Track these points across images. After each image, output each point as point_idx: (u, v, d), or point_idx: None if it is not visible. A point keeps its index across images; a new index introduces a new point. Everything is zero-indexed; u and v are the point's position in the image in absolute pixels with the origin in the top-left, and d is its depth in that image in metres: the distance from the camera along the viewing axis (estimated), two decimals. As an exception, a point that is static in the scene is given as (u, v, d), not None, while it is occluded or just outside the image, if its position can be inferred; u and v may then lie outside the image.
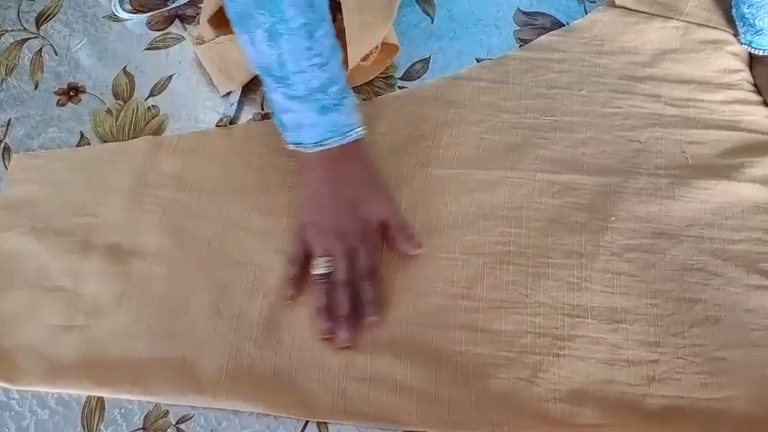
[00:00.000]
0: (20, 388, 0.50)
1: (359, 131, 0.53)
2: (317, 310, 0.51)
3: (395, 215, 0.54)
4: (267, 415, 0.49)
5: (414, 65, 0.65)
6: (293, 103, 0.51)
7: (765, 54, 0.62)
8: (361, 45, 0.61)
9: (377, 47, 0.62)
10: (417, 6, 0.68)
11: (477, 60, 0.65)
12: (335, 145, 0.52)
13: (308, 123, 0.51)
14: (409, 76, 0.65)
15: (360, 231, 0.52)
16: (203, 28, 0.61)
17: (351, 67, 0.61)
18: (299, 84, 0.50)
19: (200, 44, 0.61)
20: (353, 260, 0.52)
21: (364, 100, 0.63)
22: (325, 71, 0.50)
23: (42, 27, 0.66)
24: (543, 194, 0.58)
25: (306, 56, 0.49)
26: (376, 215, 0.53)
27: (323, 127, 0.52)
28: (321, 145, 0.52)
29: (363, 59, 0.62)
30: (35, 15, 0.67)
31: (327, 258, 0.52)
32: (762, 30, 0.61)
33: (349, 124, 0.53)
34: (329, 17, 0.51)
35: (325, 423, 0.49)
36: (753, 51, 0.63)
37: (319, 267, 0.51)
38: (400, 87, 0.64)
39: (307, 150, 0.52)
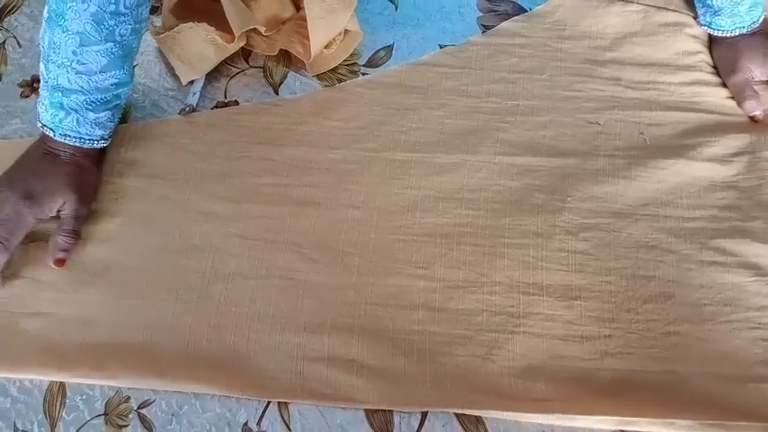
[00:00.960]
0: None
1: (87, 145, 0.55)
2: None
3: (69, 214, 0.54)
4: (229, 398, 0.50)
5: (377, 52, 0.66)
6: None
7: (724, 35, 0.63)
8: (323, 33, 0.61)
9: (339, 34, 0.63)
10: (381, -7, 0.69)
11: (441, 47, 0.66)
12: (59, 138, 0.54)
13: (44, 107, 0.53)
14: (373, 62, 0.65)
15: (15, 202, 0.52)
16: (165, 17, 0.61)
17: (314, 54, 0.62)
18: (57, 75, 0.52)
19: (159, 34, 0.61)
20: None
21: (327, 86, 0.64)
22: (80, 77, 0.52)
23: (6, 20, 0.67)
24: (502, 176, 0.59)
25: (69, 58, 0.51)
26: (43, 198, 0.53)
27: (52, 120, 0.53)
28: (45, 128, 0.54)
29: (326, 47, 0.63)
30: (-1, 8, 0.68)
31: None
32: (720, 10, 0.62)
33: (82, 134, 0.54)
34: (117, 40, 0.52)
35: (285, 403, 0.50)
36: (712, 32, 0.64)
37: None
38: (364, 74, 0.65)
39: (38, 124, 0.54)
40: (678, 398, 0.50)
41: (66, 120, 0.53)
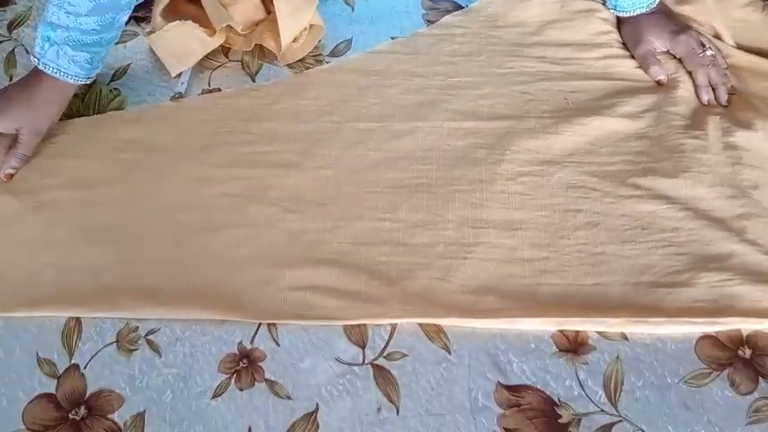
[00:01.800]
0: (2, 314, 0.58)
1: (61, 76, 0.65)
2: None
3: (25, 140, 0.65)
4: (225, 322, 0.58)
5: (338, 45, 0.77)
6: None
7: (628, 14, 0.76)
8: (290, 28, 0.72)
9: (305, 29, 0.74)
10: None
11: (392, 38, 0.78)
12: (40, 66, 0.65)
13: (37, 40, 0.65)
14: (335, 53, 0.77)
15: None
16: (155, 20, 0.72)
17: (284, 47, 0.73)
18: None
19: (152, 33, 0.71)
20: None
21: (297, 73, 0.74)
22: (68, 16, 0.63)
23: (14, 31, 0.77)
24: (450, 138, 0.70)
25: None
26: (5, 119, 0.65)
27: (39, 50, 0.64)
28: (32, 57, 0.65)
29: (294, 41, 0.74)
30: (6, 23, 0.78)
31: None
32: (622, -7, 0.75)
33: (60, 66, 0.65)
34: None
35: (274, 324, 0.58)
36: (617, 13, 0.77)
37: None
38: (327, 62, 0.76)
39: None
40: (606, 303, 0.60)
41: (49, 51, 0.64)
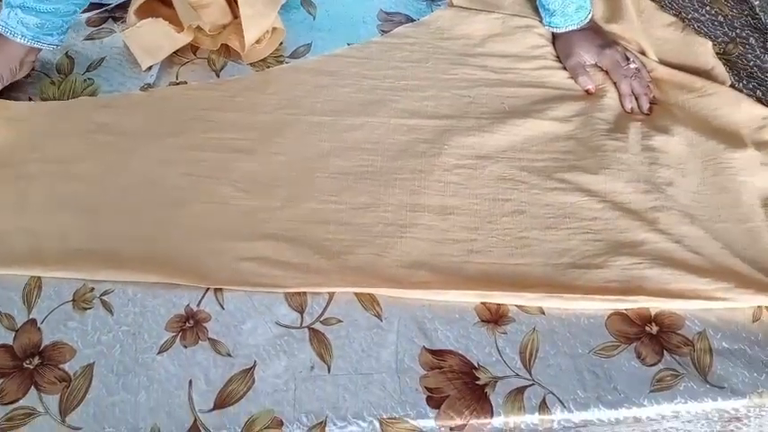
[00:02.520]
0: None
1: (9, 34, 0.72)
2: None
3: None
4: (175, 287, 0.63)
5: (299, 48, 0.85)
6: None
7: (560, 31, 0.84)
8: (254, 30, 0.79)
9: (267, 32, 0.81)
10: (302, 8, 0.89)
11: (349, 44, 0.85)
12: None
13: None
14: (295, 55, 0.84)
15: None
16: (130, 18, 0.78)
17: (247, 48, 0.80)
18: None
19: (126, 30, 0.78)
20: None
21: (258, 71, 0.81)
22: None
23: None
24: (395, 133, 0.76)
25: None
26: None
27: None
28: None
29: (258, 42, 0.81)
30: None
31: None
32: (554, 12, 0.83)
33: (9, 25, 0.72)
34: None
35: (221, 290, 0.63)
36: (551, 30, 0.85)
37: None
38: (287, 63, 0.82)
39: None
40: (526, 280, 0.66)
41: (3, 12, 0.72)
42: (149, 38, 0.78)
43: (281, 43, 0.84)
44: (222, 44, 0.81)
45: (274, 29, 0.81)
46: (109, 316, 0.61)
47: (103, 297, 0.62)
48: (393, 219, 0.69)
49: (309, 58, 0.83)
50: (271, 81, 0.80)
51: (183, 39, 0.79)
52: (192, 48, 0.83)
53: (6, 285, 0.62)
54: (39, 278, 0.63)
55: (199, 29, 0.80)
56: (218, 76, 0.81)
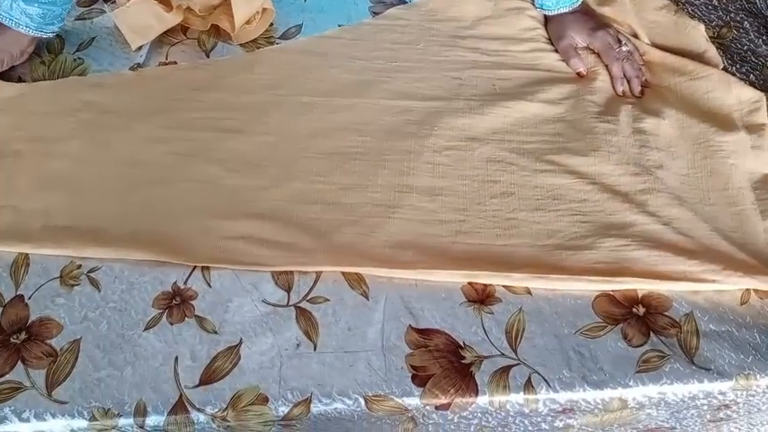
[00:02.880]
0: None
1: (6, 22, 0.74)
2: None
3: None
4: (162, 264, 0.63)
5: (289, 29, 0.84)
6: None
7: (552, 13, 0.84)
8: (243, 10, 0.79)
9: (258, 12, 0.80)
10: (294, -11, 0.89)
11: (339, 26, 0.84)
12: None
13: None
14: (286, 36, 0.84)
15: None
16: (121, -2, 0.78)
17: (237, 28, 0.79)
18: None
19: (115, 10, 0.78)
20: None
21: (248, 52, 0.81)
22: None
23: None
24: (385, 114, 0.76)
25: None
26: None
27: None
28: None
29: (248, 23, 0.81)
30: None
31: None
32: (547, -6, 0.83)
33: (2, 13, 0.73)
34: None
35: (207, 268, 0.63)
36: (543, 12, 0.85)
37: None
38: (278, 44, 0.82)
39: None
40: (513, 261, 0.66)
41: (5, 3, 0.73)
42: (139, 18, 0.77)
43: (272, 24, 0.84)
44: (212, 25, 0.81)
45: (264, 9, 0.81)
46: (96, 293, 0.61)
47: (91, 274, 0.62)
48: (381, 199, 0.69)
49: (300, 39, 0.83)
50: (260, 61, 0.80)
51: (173, 19, 0.79)
52: (183, 28, 0.82)
53: (-8, 262, 0.63)
54: (26, 255, 0.63)
55: (189, 9, 0.80)
56: (207, 56, 0.80)
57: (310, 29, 0.84)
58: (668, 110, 0.78)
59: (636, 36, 0.85)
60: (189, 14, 0.81)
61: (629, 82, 0.80)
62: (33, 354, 0.58)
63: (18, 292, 0.61)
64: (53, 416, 0.55)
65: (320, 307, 0.62)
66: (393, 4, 0.88)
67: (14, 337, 0.59)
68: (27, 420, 0.55)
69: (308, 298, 0.63)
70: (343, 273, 0.64)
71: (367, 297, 0.63)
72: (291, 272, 0.64)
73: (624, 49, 0.81)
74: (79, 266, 0.63)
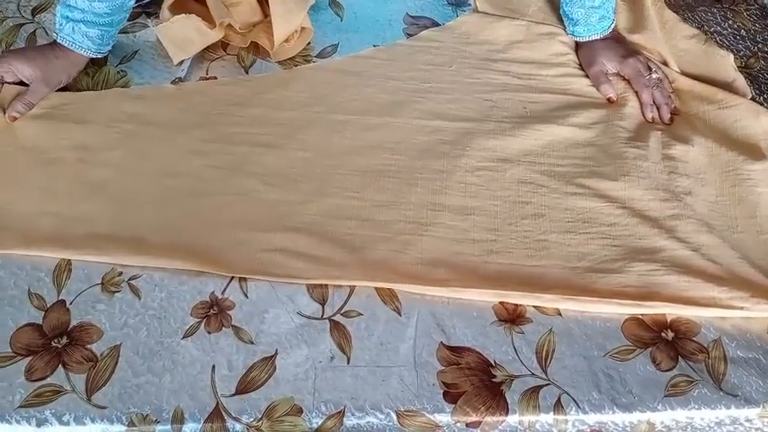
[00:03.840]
0: (2, 251, 0.64)
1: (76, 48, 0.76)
2: None
3: (32, 89, 0.75)
4: (200, 274, 0.64)
5: (326, 48, 0.86)
6: None
7: (583, 40, 0.85)
8: (283, 29, 0.81)
9: (296, 31, 0.83)
10: (330, 9, 0.91)
11: (374, 46, 0.87)
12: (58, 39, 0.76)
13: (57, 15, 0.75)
14: (322, 55, 0.86)
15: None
16: (163, 13, 0.81)
17: (276, 46, 0.82)
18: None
19: (159, 24, 0.80)
20: None
21: (286, 69, 0.83)
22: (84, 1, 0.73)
23: (37, 16, 0.86)
24: (418, 134, 0.78)
25: None
26: (20, 67, 0.75)
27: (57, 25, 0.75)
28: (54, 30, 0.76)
29: (287, 41, 0.83)
30: (30, 9, 0.87)
31: None
32: (578, 21, 0.84)
33: (75, 40, 0.75)
34: None
35: (245, 279, 0.65)
36: (575, 38, 0.86)
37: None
38: (314, 62, 0.84)
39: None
40: (544, 282, 0.67)
41: (66, 26, 0.74)
42: (181, 33, 0.80)
43: (309, 43, 0.86)
44: (252, 42, 0.83)
45: (303, 28, 0.83)
46: (136, 300, 0.63)
47: (131, 281, 0.64)
48: (414, 217, 0.70)
49: (336, 58, 0.85)
50: (297, 79, 0.82)
51: (214, 35, 0.81)
52: (223, 44, 0.84)
53: (37, 266, 0.64)
54: (69, 260, 0.64)
55: (229, 26, 0.82)
56: (246, 72, 0.83)
57: (346, 48, 0.86)
58: (697, 137, 0.79)
59: (666, 64, 0.86)
60: (229, 31, 0.83)
61: (658, 109, 0.81)
62: (74, 358, 0.59)
63: (60, 297, 0.62)
64: (92, 420, 0.56)
65: (353, 321, 0.63)
66: (426, 27, 0.90)
67: (56, 341, 0.60)
68: (67, 424, 0.56)
69: (341, 311, 0.64)
70: (376, 288, 0.65)
71: (399, 313, 0.64)
72: (326, 285, 0.65)
73: (654, 76, 0.82)
74: (120, 274, 0.64)
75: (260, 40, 0.83)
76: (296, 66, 0.84)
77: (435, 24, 0.90)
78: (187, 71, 0.81)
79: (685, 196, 0.74)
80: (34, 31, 0.85)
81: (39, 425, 0.56)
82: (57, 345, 0.60)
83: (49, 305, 0.62)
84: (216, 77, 0.81)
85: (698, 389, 0.61)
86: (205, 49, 0.83)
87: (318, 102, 0.79)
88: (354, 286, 0.65)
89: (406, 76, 0.83)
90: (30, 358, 0.59)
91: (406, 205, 0.71)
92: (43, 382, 0.57)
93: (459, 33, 0.89)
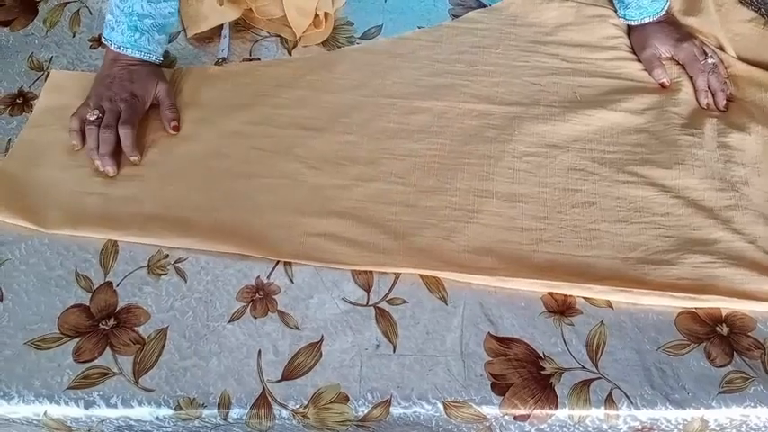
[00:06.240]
0: (50, 231, 0.64)
1: (153, 58, 0.74)
2: (87, 151, 0.68)
3: (164, 96, 0.73)
4: (246, 257, 0.64)
5: (370, 29, 0.85)
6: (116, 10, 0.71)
7: (635, 23, 0.82)
8: (298, 22, 0.81)
9: (318, 17, 0.81)
10: (375, -11, 0.89)
11: (419, 28, 0.84)
12: (133, 54, 0.72)
13: (120, 31, 0.72)
14: (366, 36, 0.84)
15: (124, 99, 0.70)
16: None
17: (298, 36, 0.81)
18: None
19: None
20: (116, 114, 0.70)
21: (329, 50, 0.81)
22: (150, 5, 0.71)
23: (81, -6, 0.86)
24: (464, 118, 0.76)
25: None
26: (143, 92, 0.72)
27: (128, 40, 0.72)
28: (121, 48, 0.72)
29: (317, 26, 0.81)
30: (75, -13, 0.87)
31: (97, 110, 0.70)
32: (629, 4, 0.81)
33: (151, 50, 0.73)
34: None
35: (290, 263, 0.64)
36: (626, 21, 0.83)
37: (90, 115, 0.69)
38: (358, 44, 0.83)
39: (111, 47, 0.72)
40: (595, 273, 0.65)
41: (140, 39, 0.72)
42: (197, 8, 0.79)
43: (352, 24, 0.84)
44: (289, 24, 0.82)
45: (326, 14, 0.81)
46: (182, 283, 0.63)
47: (177, 264, 0.64)
48: (460, 203, 0.69)
49: (380, 40, 0.83)
50: (341, 61, 0.80)
51: (229, 13, 0.80)
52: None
53: (84, 247, 0.64)
54: (115, 242, 0.64)
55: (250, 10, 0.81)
56: (290, 53, 0.81)
57: (390, 30, 0.84)
58: (753, 125, 0.76)
59: (721, 48, 0.83)
60: (250, 14, 0.82)
61: (713, 95, 0.78)
62: (122, 340, 0.59)
63: (107, 279, 0.62)
64: (140, 403, 0.56)
65: (399, 308, 0.62)
66: (472, 8, 0.87)
67: (103, 322, 0.60)
68: (114, 406, 0.56)
69: (387, 298, 0.63)
70: (421, 275, 0.64)
71: (445, 301, 0.63)
72: (371, 271, 0.64)
73: (710, 61, 0.79)
74: (166, 256, 0.64)
75: (283, 33, 0.82)
76: (339, 47, 0.82)
77: (481, 5, 0.87)
78: (228, 51, 0.80)
79: (741, 186, 0.71)
80: (78, 10, 0.84)
81: (87, 407, 0.56)
82: (104, 326, 0.60)
83: (96, 287, 0.62)
84: (259, 59, 0.80)
85: (754, 386, 0.59)
86: (247, 29, 0.82)
87: (362, 84, 0.78)
88: (399, 273, 0.64)
89: (452, 59, 0.81)
90: (77, 339, 0.59)
91: (452, 191, 0.69)
92: (91, 364, 0.58)
93: (506, 15, 0.86)
